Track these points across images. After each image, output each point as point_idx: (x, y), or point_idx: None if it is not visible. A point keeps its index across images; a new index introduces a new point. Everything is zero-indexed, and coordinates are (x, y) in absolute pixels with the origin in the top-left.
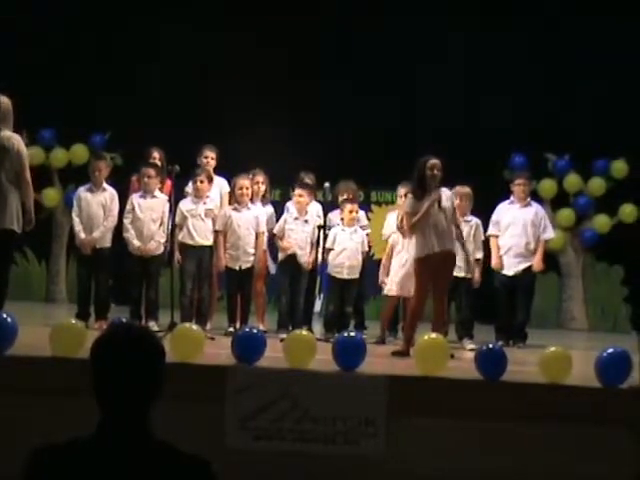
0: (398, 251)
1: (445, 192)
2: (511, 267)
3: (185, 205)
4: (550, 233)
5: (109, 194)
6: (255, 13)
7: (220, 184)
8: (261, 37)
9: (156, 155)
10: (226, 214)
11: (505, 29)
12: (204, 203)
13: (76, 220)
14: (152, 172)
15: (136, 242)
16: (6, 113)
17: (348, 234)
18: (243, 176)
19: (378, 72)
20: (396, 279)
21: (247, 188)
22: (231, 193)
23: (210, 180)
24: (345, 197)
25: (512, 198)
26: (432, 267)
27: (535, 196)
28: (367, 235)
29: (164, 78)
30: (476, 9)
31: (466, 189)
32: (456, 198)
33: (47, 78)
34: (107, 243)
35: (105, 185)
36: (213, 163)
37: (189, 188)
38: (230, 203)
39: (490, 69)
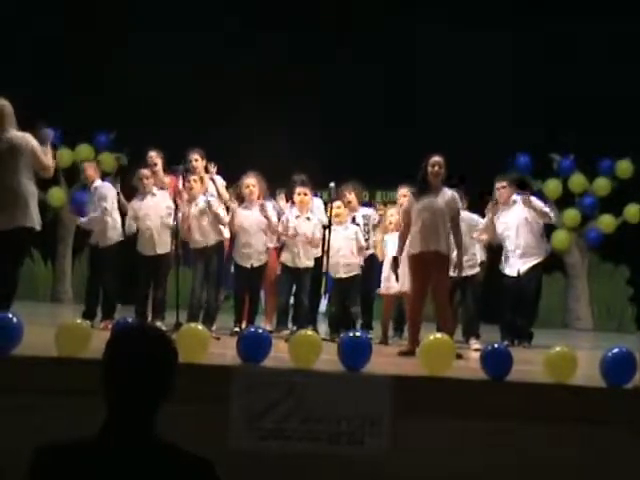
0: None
1: (447, 193)
2: (516, 267)
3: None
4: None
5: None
6: (255, 13)
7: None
8: (261, 36)
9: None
10: (235, 212)
11: (507, 28)
12: (196, 205)
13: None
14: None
15: (133, 223)
16: (11, 115)
17: (339, 233)
18: (249, 174)
19: (379, 72)
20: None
21: (254, 186)
22: (237, 192)
23: (202, 180)
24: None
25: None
26: (424, 265)
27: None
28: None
29: (166, 78)
30: (479, 9)
31: None
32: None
33: (50, 78)
34: (110, 241)
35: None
36: (201, 164)
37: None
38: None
39: (492, 68)
